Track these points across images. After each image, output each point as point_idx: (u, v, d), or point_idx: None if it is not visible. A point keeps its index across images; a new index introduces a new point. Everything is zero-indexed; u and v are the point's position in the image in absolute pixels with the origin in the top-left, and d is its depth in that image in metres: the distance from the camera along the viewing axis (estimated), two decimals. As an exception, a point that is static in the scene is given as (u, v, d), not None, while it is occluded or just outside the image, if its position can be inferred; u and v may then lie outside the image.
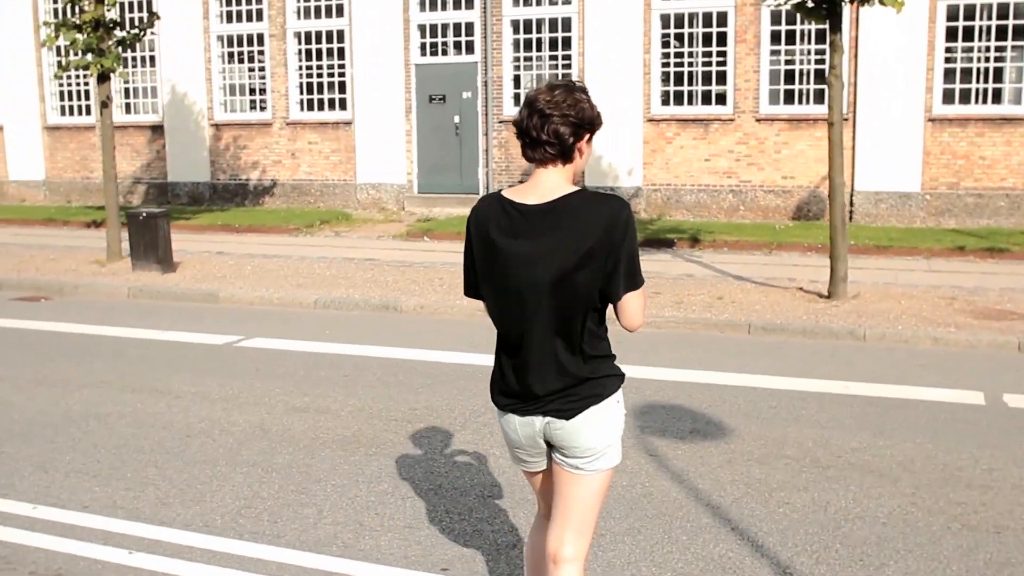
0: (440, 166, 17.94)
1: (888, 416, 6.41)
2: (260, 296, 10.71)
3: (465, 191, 17.80)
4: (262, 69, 19.16)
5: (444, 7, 17.50)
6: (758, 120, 15.26)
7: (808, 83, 15.21)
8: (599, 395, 3.04)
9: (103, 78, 12.71)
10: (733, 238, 13.47)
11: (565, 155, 2.97)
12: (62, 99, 21.14)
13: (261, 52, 19.01)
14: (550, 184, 2.96)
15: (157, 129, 20.22)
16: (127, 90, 20.63)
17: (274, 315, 10.10)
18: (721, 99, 15.63)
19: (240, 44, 19.20)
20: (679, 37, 15.92)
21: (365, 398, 6.92)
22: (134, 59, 20.41)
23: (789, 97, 15.33)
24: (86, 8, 12.41)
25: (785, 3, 9.94)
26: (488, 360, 7.82)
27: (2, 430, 6.32)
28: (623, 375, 3.13)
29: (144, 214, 12.13)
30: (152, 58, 20.10)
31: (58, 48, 18.47)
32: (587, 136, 3.00)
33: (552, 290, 2.93)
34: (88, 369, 7.86)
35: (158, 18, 14.00)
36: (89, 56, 12.47)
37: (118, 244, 13.04)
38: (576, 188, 3.01)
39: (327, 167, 18.70)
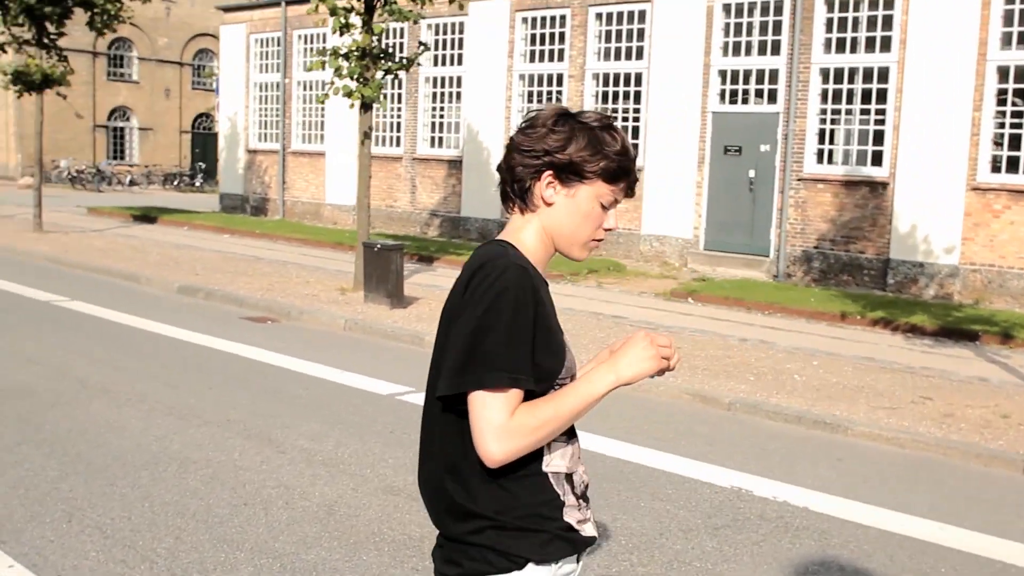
0: (729, 223, 16.38)
1: None
2: (465, 345, 9.86)
3: (754, 252, 16.12)
4: (558, 109, 18.65)
5: (748, 52, 16.00)
6: (1115, 198, 12.30)
7: None
8: (478, 573, 2.00)
9: (365, 108, 12.61)
10: (1058, 340, 10.77)
11: (519, 195, 2.13)
12: (377, 130, 21.92)
13: (559, 92, 18.52)
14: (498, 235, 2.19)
15: (455, 163, 20.37)
16: (433, 124, 21.02)
17: (469, 368, 9.19)
18: (1068, 169, 12.79)
19: (540, 84, 18.84)
20: (1019, 93, 13.28)
21: (476, 487, 5.74)
22: (441, 95, 20.76)
23: None
24: (356, 37, 12.38)
25: None
26: (673, 462, 6.37)
27: (83, 462, 5.86)
28: (521, 563, 1.96)
29: (378, 246, 11.80)
30: (459, 94, 20.32)
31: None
32: (548, 175, 2.08)
33: (429, 387, 2.10)
34: (227, 403, 7.35)
35: (427, 48, 13.79)
36: (352, 85, 12.40)
37: (363, 274, 12.83)
38: (496, 240, 2.12)
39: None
